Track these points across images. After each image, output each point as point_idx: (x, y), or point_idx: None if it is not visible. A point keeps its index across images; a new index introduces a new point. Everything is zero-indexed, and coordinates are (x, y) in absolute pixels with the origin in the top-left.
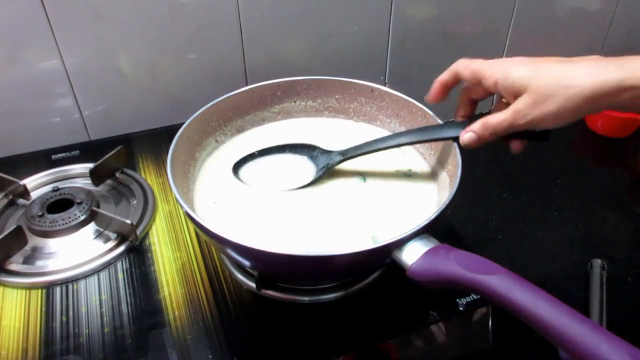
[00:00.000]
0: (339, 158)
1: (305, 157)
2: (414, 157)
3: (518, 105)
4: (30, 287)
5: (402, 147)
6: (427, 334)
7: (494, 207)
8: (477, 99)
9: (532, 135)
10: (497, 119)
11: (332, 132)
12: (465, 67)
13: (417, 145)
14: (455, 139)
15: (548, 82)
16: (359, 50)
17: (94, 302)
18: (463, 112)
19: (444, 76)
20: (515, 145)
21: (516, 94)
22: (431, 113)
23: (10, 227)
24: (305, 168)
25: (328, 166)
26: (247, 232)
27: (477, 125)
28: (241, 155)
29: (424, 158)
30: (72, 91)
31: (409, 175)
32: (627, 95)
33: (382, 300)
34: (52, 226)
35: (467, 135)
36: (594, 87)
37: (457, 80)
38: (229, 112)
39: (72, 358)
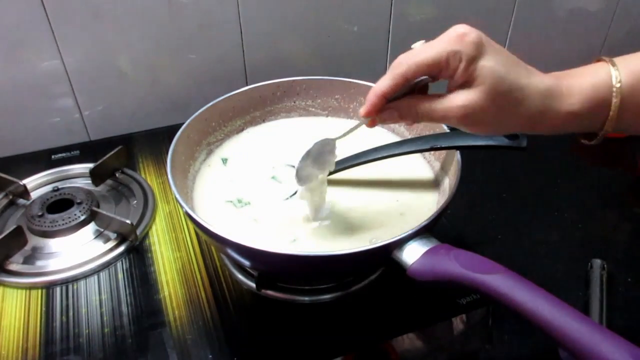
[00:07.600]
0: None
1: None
2: (413, 157)
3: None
4: (30, 287)
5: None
6: (427, 334)
7: (494, 207)
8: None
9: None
10: (439, 107)
11: (332, 132)
12: (414, 64)
13: None
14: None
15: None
16: (359, 50)
17: (94, 302)
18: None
19: (386, 84)
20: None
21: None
22: None
23: (10, 227)
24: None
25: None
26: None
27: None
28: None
29: (424, 157)
30: (72, 91)
31: (408, 173)
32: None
33: (382, 300)
34: (52, 226)
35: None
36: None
37: (404, 86)
38: (228, 112)
39: (72, 358)
